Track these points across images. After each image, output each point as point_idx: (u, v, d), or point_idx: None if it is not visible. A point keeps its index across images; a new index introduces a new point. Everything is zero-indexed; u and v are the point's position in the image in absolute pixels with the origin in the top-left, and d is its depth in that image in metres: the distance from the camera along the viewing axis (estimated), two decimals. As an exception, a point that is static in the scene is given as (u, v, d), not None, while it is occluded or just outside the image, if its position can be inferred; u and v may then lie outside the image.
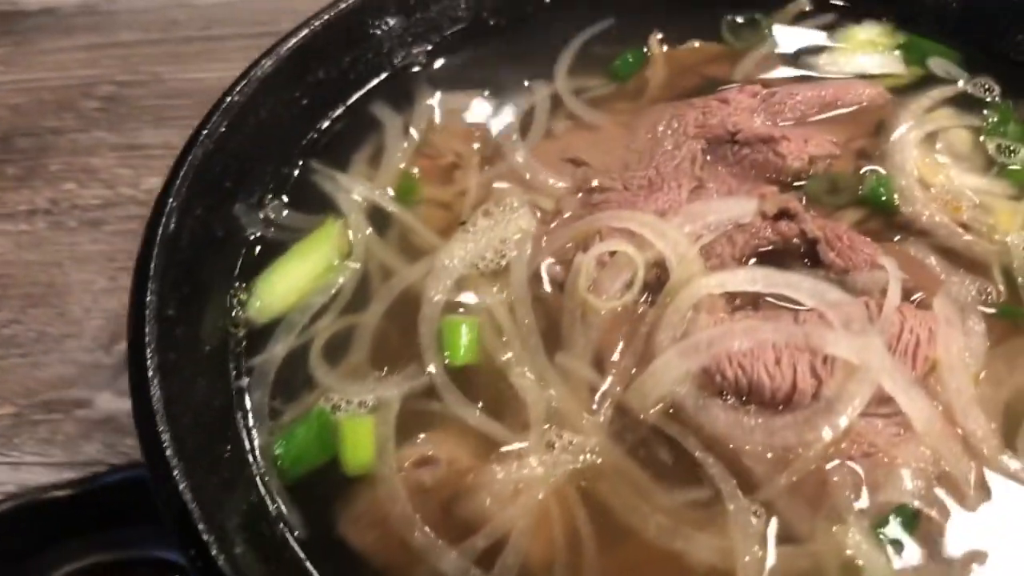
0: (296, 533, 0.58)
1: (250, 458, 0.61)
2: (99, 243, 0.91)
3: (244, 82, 0.71)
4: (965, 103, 0.81)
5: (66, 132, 1.02)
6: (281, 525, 0.58)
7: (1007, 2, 0.84)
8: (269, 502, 0.59)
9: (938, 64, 0.84)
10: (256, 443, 0.61)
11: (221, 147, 0.68)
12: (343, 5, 0.77)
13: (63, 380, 0.81)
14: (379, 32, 0.82)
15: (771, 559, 0.56)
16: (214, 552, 0.51)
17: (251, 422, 0.62)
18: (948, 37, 0.86)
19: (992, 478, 0.59)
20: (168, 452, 0.54)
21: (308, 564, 0.56)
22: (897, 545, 0.56)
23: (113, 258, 0.89)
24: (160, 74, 1.07)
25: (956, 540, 0.57)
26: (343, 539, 0.57)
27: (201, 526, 0.52)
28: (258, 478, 0.60)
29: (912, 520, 0.57)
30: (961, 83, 0.82)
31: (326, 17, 0.76)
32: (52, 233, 0.92)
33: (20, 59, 1.10)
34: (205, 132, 0.68)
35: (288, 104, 0.75)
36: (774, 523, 0.57)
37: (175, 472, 0.54)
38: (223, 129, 0.68)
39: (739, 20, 0.88)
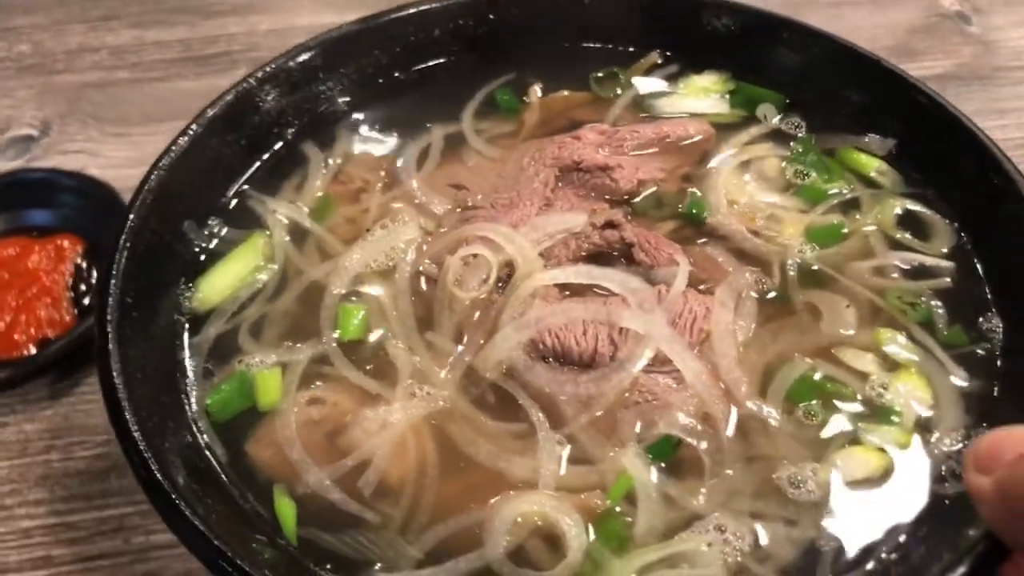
0: (220, 457, 0.77)
1: (187, 408, 0.79)
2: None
3: (194, 126, 0.91)
4: (779, 137, 1.01)
5: None
6: (208, 453, 0.77)
7: (826, 57, 1.03)
8: (200, 438, 0.78)
9: (760, 108, 1.03)
10: (193, 397, 0.80)
11: (173, 178, 0.87)
12: (275, 65, 0.97)
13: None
14: (309, 86, 1.02)
15: (570, 475, 0.75)
16: (155, 470, 0.68)
17: (189, 382, 0.81)
18: (771, 85, 1.06)
19: (744, 418, 0.78)
20: (122, 397, 0.71)
21: (223, 477, 0.75)
22: (658, 462, 0.75)
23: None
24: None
25: (710, 462, 0.76)
26: (247, 455, 0.76)
27: (147, 455, 0.68)
28: (192, 422, 0.79)
29: (674, 446, 0.75)
30: (775, 121, 1.03)
31: (259, 75, 0.96)
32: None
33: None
34: (161, 164, 0.87)
35: (230, 144, 0.94)
36: (575, 450, 0.76)
37: (127, 414, 0.71)
38: (175, 162, 0.88)
39: (602, 74, 1.08)
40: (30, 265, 1.09)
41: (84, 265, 1.12)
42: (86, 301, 1.08)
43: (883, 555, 0.71)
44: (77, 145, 1.35)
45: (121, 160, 1.31)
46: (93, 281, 1.09)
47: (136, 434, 0.70)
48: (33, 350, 1.03)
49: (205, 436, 0.78)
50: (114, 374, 0.73)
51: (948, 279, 0.88)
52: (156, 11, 1.56)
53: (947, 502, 0.73)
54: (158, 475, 0.68)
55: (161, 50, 1.50)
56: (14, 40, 1.52)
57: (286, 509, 0.73)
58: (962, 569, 0.63)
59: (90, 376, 1.04)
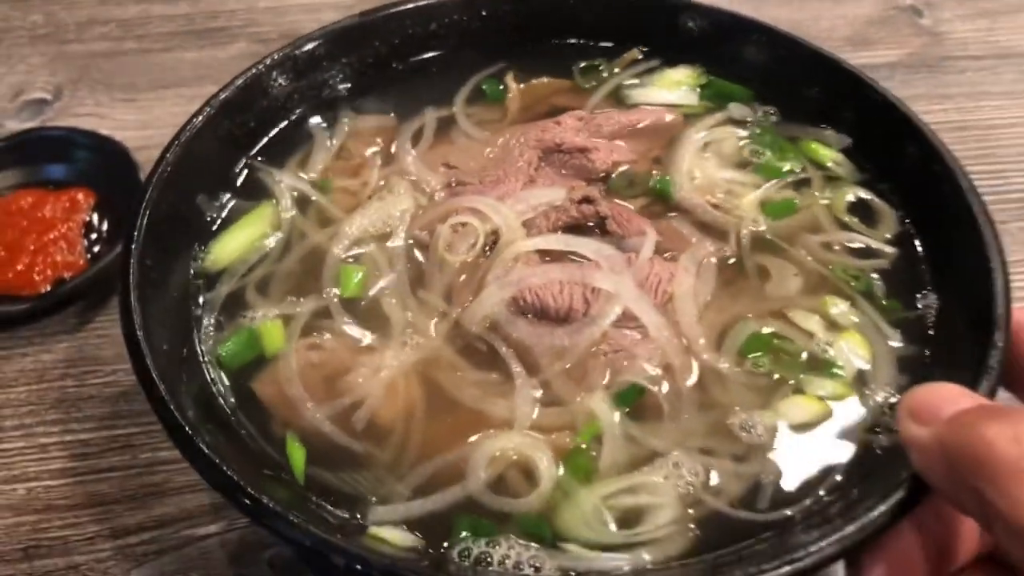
0: (230, 401, 0.85)
1: (201, 357, 0.88)
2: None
3: (207, 107, 0.99)
4: (742, 123, 1.10)
5: None
6: (220, 399, 0.85)
7: (790, 56, 1.12)
8: (212, 382, 0.86)
9: (732, 105, 1.12)
10: (206, 348, 0.89)
11: (188, 153, 0.94)
12: (283, 53, 1.06)
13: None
14: (314, 73, 1.10)
15: (543, 416, 0.84)
16: (173, 409, 0.76)
17: (203, 335, 0.90)
18: (740, 80, 1.15)
19: (701, 369, 0.87)
20: (143, 349, 0.78)
21: (233, 419, 0.83)
22: (623, 407, 0.84)
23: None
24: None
25: (669, 406, 0.84)
26: (253, 393, 0.85)
27: (166, 397, 0.76)
28: (206, 371, 0.87)
29: (637, 392, 0.84)
30: (747, 108, 1.12)
31: (269, 61, 1.05)
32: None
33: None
34: (177, 142, 0.94)
35: (240, 124, 1.02)
36: (549, 395, 0.84)
37: (148, 362, 0.78)
38: (189, 140, 0.95)
39: (585, 65, 1.18)
40: (47, 214, 1.20)
41: (96, 216, 1.24)
42: (97, 248, 1.20)
43: (820, 492, 0.79)
44: (87, 108, 1.46)
45: (128, 123, 1.42)
46: (104, 230, 1.23)
47: (156, 380, 0.77)
48: (49, 289, 1.14)
49: (218, 384, 0.86)
50: (136, 327, 0.80)
51: (887, 262, 0.96)
52: None
53: (879, 451, 0.81)
54: (178, 416, 0.74)
55: (165, 23, 1.62)
56: (28, 11, 1.63)
57: (296, 453, 0.81)
58: (889, 505, 0.69)
59: (100, 314, 1.16)
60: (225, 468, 0.71)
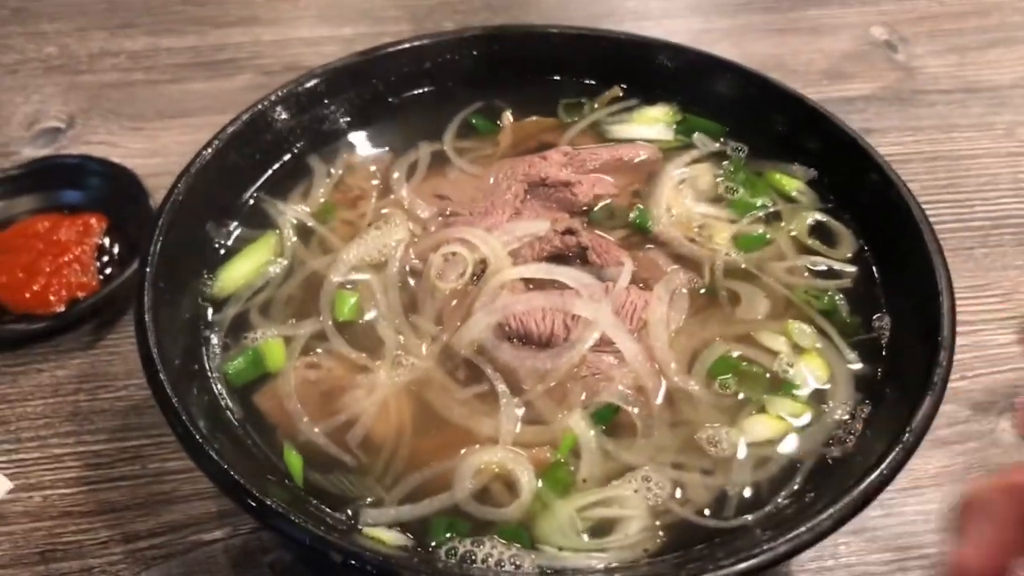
0: (236, 414, 0.92)
1: (209, 373, 0.94)
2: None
3: (215, 140, 1.07)
4: (715, 158, 1.18)
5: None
6: (227, 410, 0.92)
7: (758, 94, 1.20)
8: (220, 396, 0.93)
9: (698, 137, 1.20)
10: (214, 365, 0.95)
11: (197, 183, 1.01)
12: (286, 90, 1.14)
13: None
14: (315, 108, 1.18)
15: (525, 433, 0.91)
16: (185, 419, 0.83)
17: (211, 353, 0.97)
18: (713, 116, 1.23)
19: (672, 391, 0.94)
20: (157, 364, 0.85)
21: (238, 428, 0.90)
22: (600, 424, 0.91)
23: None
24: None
25: (642, 425, 0.91)
26: (255, 406, 0.92)
27: (178, 407, 0.82)
28: (214, 384, 0.94)
29: (613, 412, 0.91)
30: (717, 145, 1.20)
31: (274, 96, 1.12)
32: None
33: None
34: (186, 175, 1.02)
35: (246, 156, 1.09)
36: (531, 414, 0.91)
37: (161, 376, 0.85)
38: (199, 171, 1.02)
39: (568, 102, 1.25)
40: (62, 237, 1.28)
41: (108, 240, 1.31)
42: (109, 271, 1.27)
43: (779, 499, 0.86)
44: (99, 137, 1.53)
45: (137, 151, 1.49)
46: (115, 253, 1.30)
47: (169, 392, 0.84)
48: (64, 309, 1.22)
49: (224, 397, 0.93)
50: (151, 344, 0.87)
51: (849, 281, 1.04)
52: (169, 21, 1.76)
53: (830, 461, 0.89)
54: (188, 425, 0.81)
55: (173, 56, 1.69)
56: (42, 43, 1.71)
57: (294, 460, 0.88)
58: (836, 509, 0.77)
59: (112, 333, 1.23)
60: (233, 473, 0.78)
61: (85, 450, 1.12)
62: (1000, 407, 1.19)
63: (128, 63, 1.69)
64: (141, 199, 1.32)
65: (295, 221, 1.09)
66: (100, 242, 1.32)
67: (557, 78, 1.27)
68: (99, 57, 1.70)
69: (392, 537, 0.82)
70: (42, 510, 1.07)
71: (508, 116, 1.22)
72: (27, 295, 1.24)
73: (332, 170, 1.15)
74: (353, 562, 0.73)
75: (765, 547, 0.75)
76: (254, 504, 0.77)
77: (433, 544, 0.82)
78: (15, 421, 1.15)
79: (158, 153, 1.50)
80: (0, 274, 1.26)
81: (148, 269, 0.93)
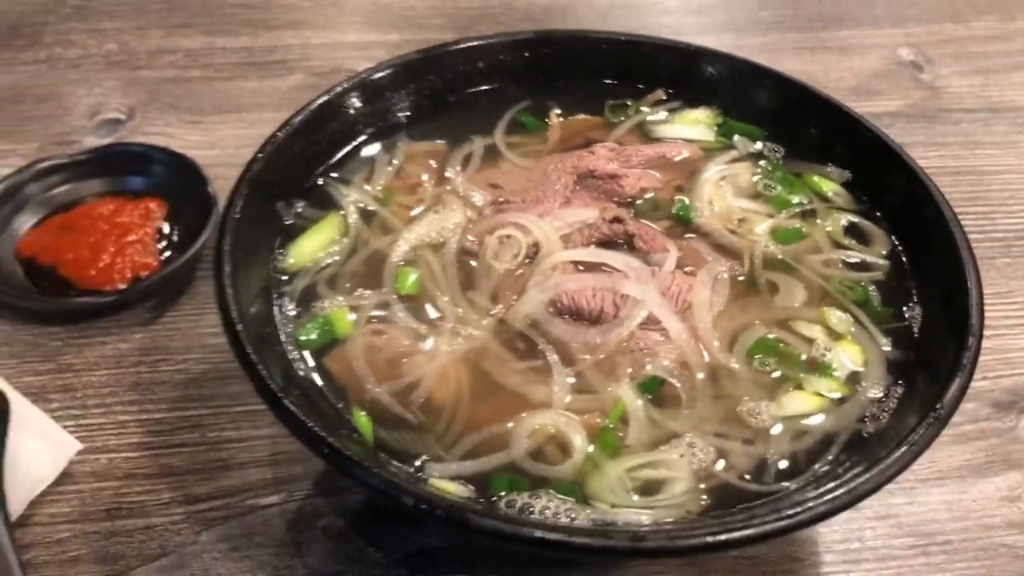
0: (308, 374, 0.98)
1: (282, 339, 1.00)
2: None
3: (287, 127, 1.14)
4: (755, 158, 1.25)
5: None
6: (300, 373, 0.98)
7: (796, 100, 1.27)
8: (293, 358, 0.99)
9: (738, 139, 1.27)
10: (287, 331, 1.02)
11: (269, 167, 1.07)
12: (352, 82, 1.21)
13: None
14: (379, 101, 1.25)
15: (576, 401, 0.96)
16: (265, 376, 0.89)
17: (283, 320, 1.03)
18: (752, 120, 1.30)
19: (714, 367, 1.00)
20: (239, 330, 0.91)
21: (311, 389, 0.96)
22: (646, 394, 0.96)
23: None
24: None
25: (686, 396, 0.97)
26: (325, 368, 0.98)
27: (262, 370, 0.88)
28: (286, 349, 0.99)
29: (659, 384, 0.97)
30: (757, 146, 1.26)
31: (339, 89, 1.19)
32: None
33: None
34: (260, 156, 1.08)
35: (314, 143, 1.16)
36: (582, 383, 0.97)
37: (244, 342, 0.90)
38: (270, 155, 1.08)
39: (614, 103, 1.32)
40: (125, 220, 1.36)
41: (167, 224, 1.39)
42: (168, 253, 1.36)
43: (816, 467, 0.92)
44: (157, 128, 1.61)
45: (194, 142, 1.56)
46: (174, 237, 1.38)
47: (250, 353, 0.90)
48: (127, 286, 1.29)
49: (297, 360, 0.99)
50: (231, 310, 0.93)
51: (881, 274, 1.10)
52: (224, 22, 1.86)
53: (865, 435, 0.94)
54: (269, 383, 0.87)
55: (227, 55, 1.78)
56: (103, 40, 1.80)
57: (362, 418, 0.93)
58: (872, 474, 0.83)
59: (171, 310, 1.31)
60: (311, 424, 0.83)
61: (147, 417, 1.19)
62: (1021, 406, 1.25)
63: (185, 60, 1.78)
64: (200, 187, 1.39)
65: (358, 204, 1.15)
66: (160, 226, 1.39)
67: (605, 81, 1.34)
68: (157, 54, 1.79)
69: (456, 488, 0.88)
70: (108, 471, 1.13)
71: (555, 113, 1.28)
72: (92, 272, 1.31)
73: (392, 159, 1.22)
74: (424, 506, 0.79)
75: (804, 507, 0.80)
76: (330, 452, 0.82)
77: (494, 497, 0.88)
78: (81, 389, 1.22)
79: (215, 145, 1.58)
80: (67, 252, 1.33)
81: (228, 236, 0.99)
